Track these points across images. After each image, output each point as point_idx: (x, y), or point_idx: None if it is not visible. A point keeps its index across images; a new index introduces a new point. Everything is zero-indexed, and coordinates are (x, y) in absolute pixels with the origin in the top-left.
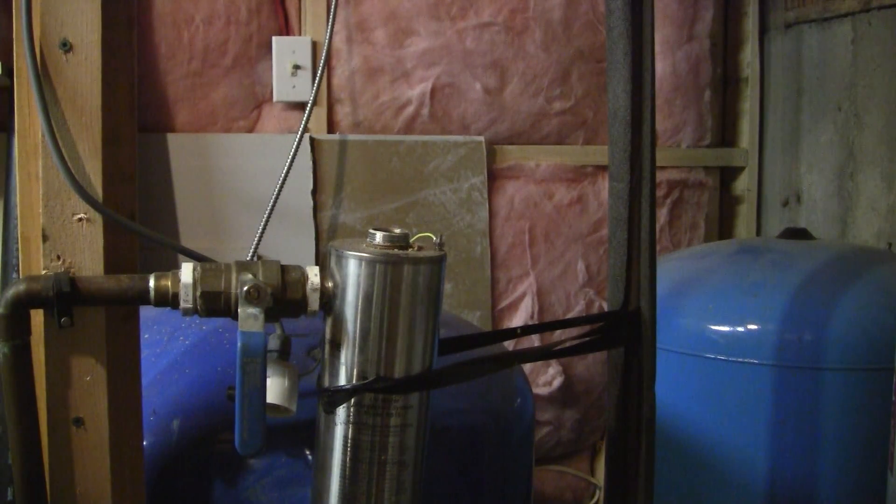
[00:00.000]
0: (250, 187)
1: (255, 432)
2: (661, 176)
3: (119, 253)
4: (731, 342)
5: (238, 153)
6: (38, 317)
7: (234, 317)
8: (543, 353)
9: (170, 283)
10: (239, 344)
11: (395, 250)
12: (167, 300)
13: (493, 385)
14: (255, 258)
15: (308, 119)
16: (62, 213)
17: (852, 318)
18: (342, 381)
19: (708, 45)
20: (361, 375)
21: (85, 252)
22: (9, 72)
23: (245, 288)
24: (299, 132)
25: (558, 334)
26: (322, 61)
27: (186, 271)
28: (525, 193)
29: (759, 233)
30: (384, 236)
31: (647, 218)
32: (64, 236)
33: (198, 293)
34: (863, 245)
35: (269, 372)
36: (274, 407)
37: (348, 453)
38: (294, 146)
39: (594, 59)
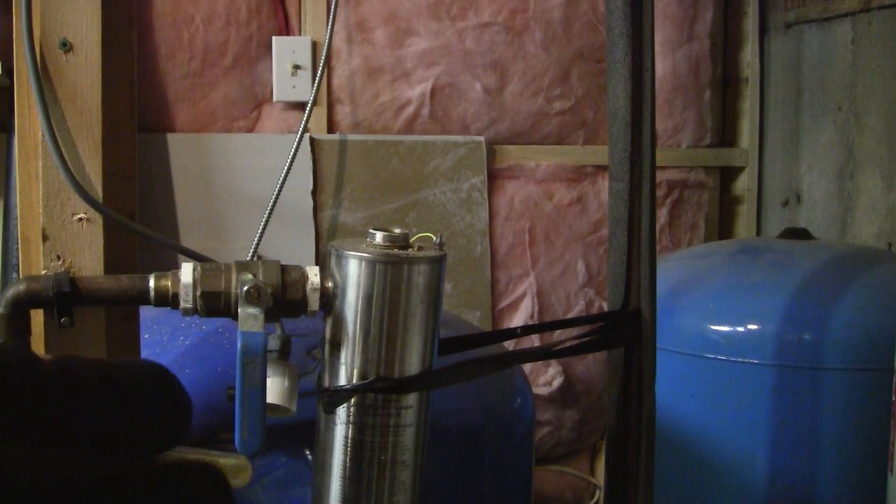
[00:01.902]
0: (250, 187)
1: (255, 432)
2: (661, 176)
3: (119, 253)
4: (732, 342)
5: (238, 153)
6: (38, 317)
7: (234, 317)
8: (543, 353)
9: (170, 283)
10: (239, 344)
11: (395, 250)
12: (167, 300)
13: (493, 385)
14: (255, 258)
15: (308, 119)
16: (62, 213)
17: (852, 318)
18: (342, 381)
19: (708, 45)
20: (361, 375)
21: (85, 252)
22: (9, 72)
23: (245, 288)
24: (299, 132)
25: (558, 334)
26: (322, 61)
27: (186, 271)
28: (525, 193)
29: (759, 233)
30: (384, 236)
31: (647, 218)
32: (64, 236)
33: (198, 293)
34: (863, 245)
35: (269, 372)
36: (274, 407)
37: (348, 453)
38: (294, 146)
39: (594, 59)
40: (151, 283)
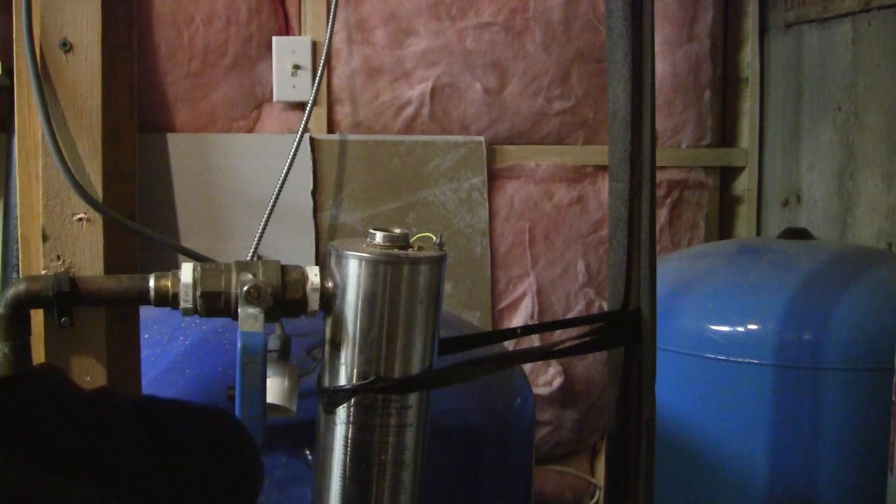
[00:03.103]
0: (250, 187)
1: (255, 432)
2: (661, 176)
3: (119, 253)
4: (731, 342)
5: (238, 153)
6: (38, 317)
7: (234, 317)
8: (543, 353)
9: (170, 283)
10: (239, 344)
11: (395, 250)
12: (167, 300)
13: (493, 385)
14: (255, 258)
15: (308, 119)
16: (62, 213)
17: (852, 319)
18: (342, 381)
19: (708, 45)
20: (361, 375)
21: (85, 252)
22: (9, 72)
23: (245, 288)
24: (299, 132)
25: (558, 334)
26: (322, 61)
27: (186, 271)
28: (525, 193)
29: (759, 233)
30: (384, 236)
31: (647, 218)
32: (64, 236)
33: (198, 293)
34: (863, 245)
35: (269, 372)
36: (274, 407)
37: (348, 453)
38: (294, 146)
39: (594, 59)
40: (151, 283)
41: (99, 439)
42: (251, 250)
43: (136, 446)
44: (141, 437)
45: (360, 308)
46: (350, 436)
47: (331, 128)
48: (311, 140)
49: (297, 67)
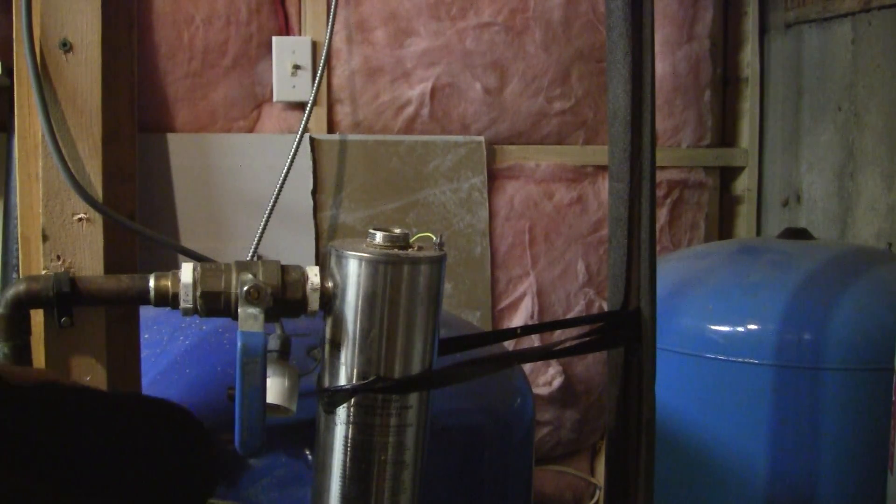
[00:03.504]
0: (250, 187)
1: (255, 432)
2: (661, 176)
3: (119, 253)
4: (731, 342)
5: (238, 153)
6: (38, 317)
7: (234, 317)
8: (543, 353)
9: (170, 283)
10: (239, 344)
11: (395, 250)
12: (167, 300)
13: (493, 385)
14: (255, 258)
15: (308, 119)
16: (62, 213)
17: (852, 318)
18: (342, 381)
19: (708, 45)
20: (361, 375)
21: (85, 252)
22: (9, 72)
23: (245, 288)
24: (299, 132)
25: (558, 334)
26: (322, 61)
27: (186, 271)
28: (525, 193)
29: (759, 233)
30: (384, 236)
31: (647, 218)
32: (64, 236)
33: (198, 293)
34: (863, 245)
35: (269, 372)
36: (274, 407)
37: (348, 453)
38: (294, 146)
39: (594, 59)
40: (151, 283)
41: (38, 430)
42: (251, 250)
43: (80, 436)
44: (86, 428)
45: (360, 308)
46: (350, 436)
47: (331, 128)
48: (311, 140)
49: (297, 67)
